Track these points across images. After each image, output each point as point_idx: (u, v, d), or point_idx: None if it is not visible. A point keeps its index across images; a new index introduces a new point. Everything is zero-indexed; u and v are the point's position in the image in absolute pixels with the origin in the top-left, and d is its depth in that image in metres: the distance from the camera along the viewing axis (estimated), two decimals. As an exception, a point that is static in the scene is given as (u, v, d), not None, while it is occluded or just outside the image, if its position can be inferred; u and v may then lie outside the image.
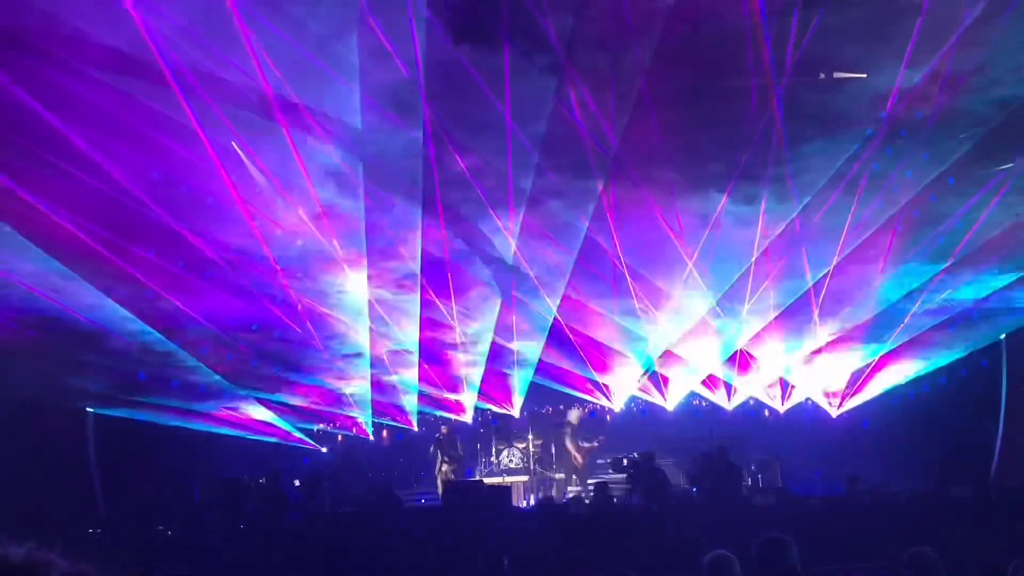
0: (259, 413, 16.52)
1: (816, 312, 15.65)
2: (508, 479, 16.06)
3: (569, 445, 16.46)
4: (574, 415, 16.83)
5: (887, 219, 14.46)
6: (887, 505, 10.58)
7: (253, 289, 14.71)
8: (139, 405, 15.14)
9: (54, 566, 1.29)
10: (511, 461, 17.07)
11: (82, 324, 13.25)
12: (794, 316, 15.84)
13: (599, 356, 17.07)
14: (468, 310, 16.22)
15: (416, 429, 17.78)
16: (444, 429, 16.26)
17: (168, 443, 15.31)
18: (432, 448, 15.96)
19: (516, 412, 17.84)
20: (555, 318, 15.89)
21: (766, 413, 17.32)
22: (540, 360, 16.83)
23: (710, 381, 17.38)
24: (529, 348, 16.79)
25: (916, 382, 15.95)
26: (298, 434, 17.24)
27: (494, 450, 17.14)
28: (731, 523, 9.77)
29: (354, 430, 17.78)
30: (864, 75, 13.46)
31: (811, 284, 15.03)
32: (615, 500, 12.49)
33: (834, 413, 16.58)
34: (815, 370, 16.61)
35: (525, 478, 16.54)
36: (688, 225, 14.48)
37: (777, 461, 14.63)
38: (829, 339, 16.03)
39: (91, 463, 14.56)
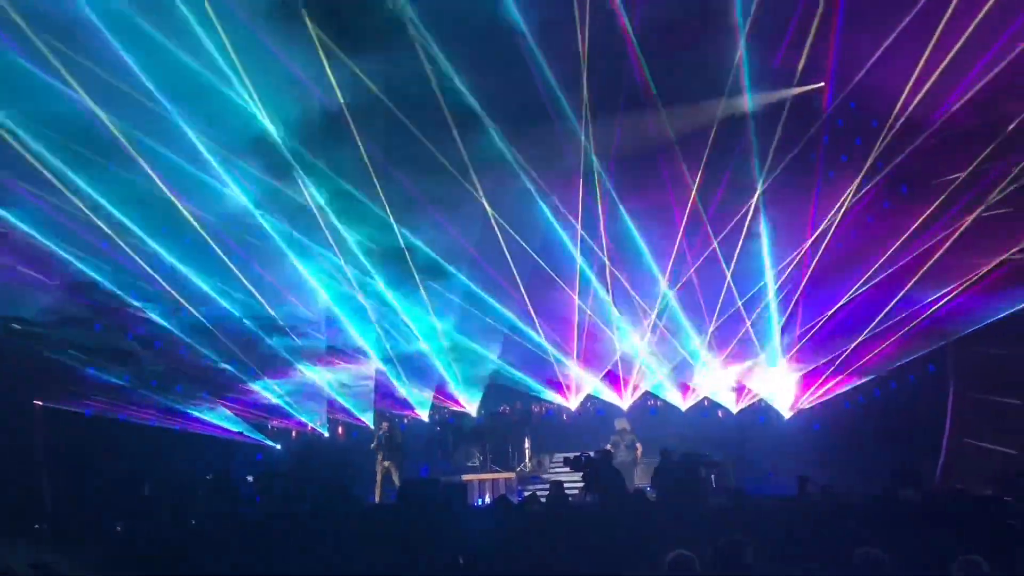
0: (213, 410, 16.35)
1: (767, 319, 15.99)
2: (465, 477, 16.05)
3: (625, 456, 15.58)
4: (623, 423, 16.27)
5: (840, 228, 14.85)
6: (837, 506, 10.74)
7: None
8: (88, 399, 14.90)
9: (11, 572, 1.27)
10: (468, 459, 17.07)
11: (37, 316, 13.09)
12: (743, 324, 16.18)
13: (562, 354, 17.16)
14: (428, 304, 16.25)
15: (372, 427, 17.69)
16: (385, 425, 16.00)
17: (119, 437, 15.06)
18: (372, 445, 15.79)
19: (474, 411, 17.85)
20: (517, 316, 15.99)
21: (720, 414, 17.51)
22: (500, 359, 16.88)
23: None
24: (488, 347, 16.85)
25: (866, 386, 16.22)
26: (252, 431, 17.09)
27: (451, 448, 17.12)
28: (686, 523, 9.87)
29: (310, 427, 17.66)
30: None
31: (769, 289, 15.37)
32: (570, 499, 12.55)
33: (786, 415, 16.82)
34: (767, 374, 16.86)
35: (481, 476, 16.53)
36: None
37: (731, 462, 14.81)
38: (781, 347, 16.35)
39: (38, 456, 14.25)
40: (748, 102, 13.63)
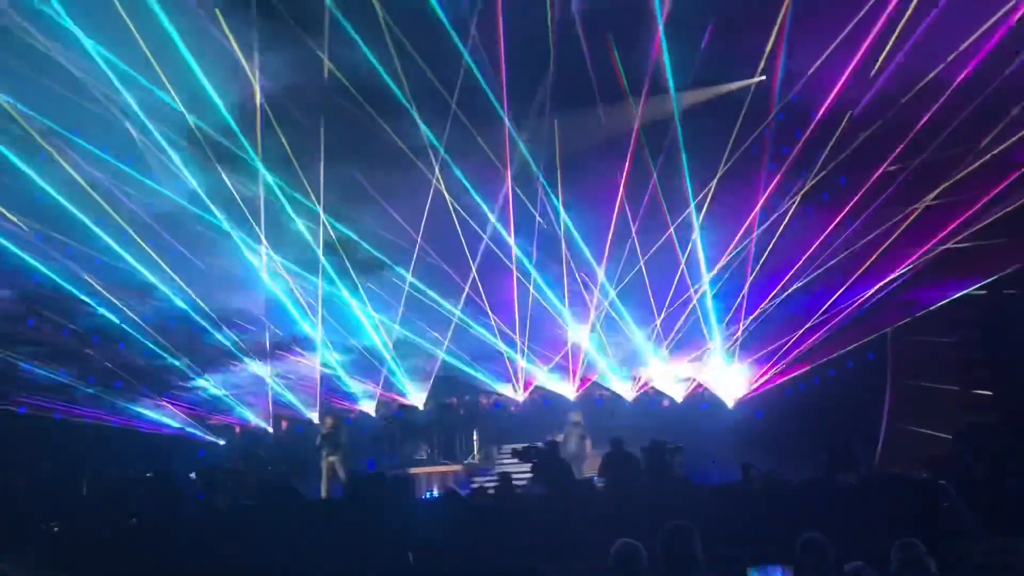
0: (153, 407, 16.05)
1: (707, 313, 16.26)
2: (413, 470, 15.97)
3: (580, 445, 15.45)
4: (577, 415, 16.11)
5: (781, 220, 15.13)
6: (779, 492, 10.94)
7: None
8: (21, 398, 14.52)
9: None
10: (416, 453, 17.00)
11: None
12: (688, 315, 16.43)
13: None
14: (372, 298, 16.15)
15: (317, 421, 17.51)
16: (328, 421, 15.68)
17: (54, 436, 14.68)
18: (318, 440, 15.58)
19: (421, 404, 17.77)
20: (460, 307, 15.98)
21: (664, 403, 17.68)
22: (447, 350, 16.84)
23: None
24: (435, 339, 16.81)
25: (806, 374, 16.52)
26: (194, 428, 16.81)
27: (398, 442, 17.02)
28: (633, 511, 9.96)
29: (252, 422, 17.42)
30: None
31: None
32: (519, 490, 12.57)
33: (730, 404, 17.06)
34: (711, 364, 17.09)
35: (429, 469, 16.46)
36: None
37: (677, 450, 14.93)
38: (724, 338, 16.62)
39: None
40: (678, 98, 13.82)
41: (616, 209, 15.18)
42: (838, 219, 14.79)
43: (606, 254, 15.92)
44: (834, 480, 11.06)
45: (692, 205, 15.03)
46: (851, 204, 14.62)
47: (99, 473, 13.57)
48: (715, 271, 15.89)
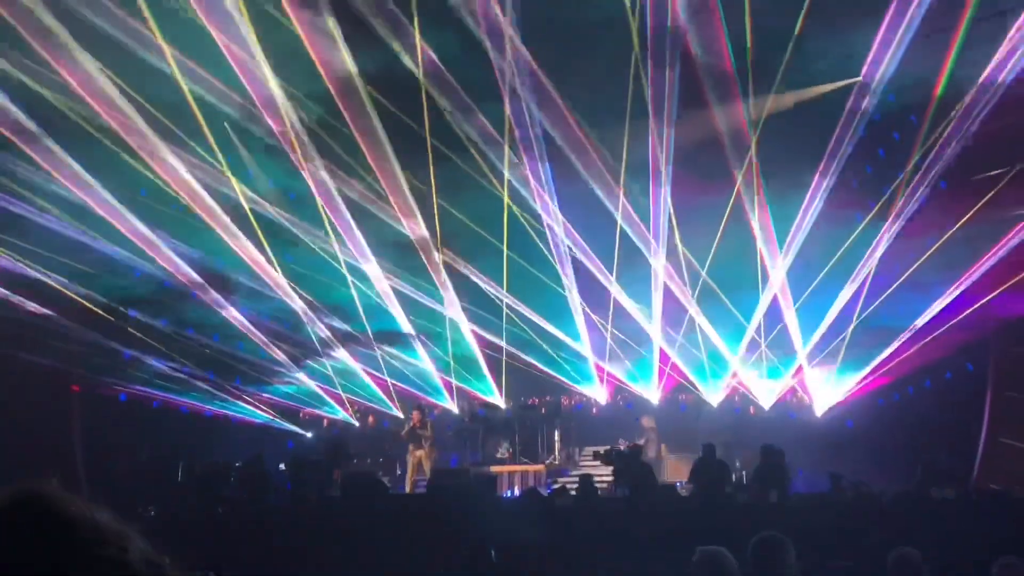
0: (247, 398, 16.53)
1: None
2: (494, 468, 16.03)
3: (652, 452, 15.35)
4: (648, 421, 16.04)
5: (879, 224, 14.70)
6: (869, 504, 10.64)
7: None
8: (123, 384, 15.11)
9: (132, 540, 1.26)
10: (498, 451, 17.07)
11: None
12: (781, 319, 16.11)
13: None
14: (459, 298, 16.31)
15: (401, 415, 17.79)
16: (416, 414, 15.82)
17: (153, 423, 15.26)
18: (403, 432, 15.79)
19: (503, 403, 17.87)
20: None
21: (752, 410, 17.37)
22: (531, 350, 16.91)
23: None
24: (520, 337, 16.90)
25: (900, 384, 16.01)
26: (284, 419, 17.26)
27: (480, 440, 17.12)
28: (716, 518, 9.83)
29: (339, 415, 17.79)
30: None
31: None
32: (599, 493, 12.52)
33: (819, 412, 16.65)
34: (801, 370, 16.72)
35: (510, 468, 16.50)
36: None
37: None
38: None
39: (75, 439, 14.46)
40: (787, 99, 13.55)
41: (727, 210, 14.97)
42: (941, 223, 14.30)
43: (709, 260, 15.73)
44: (928, 494, 10.68)
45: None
46: (955, 208, 14.13)
47: (193, 460, 14.02)
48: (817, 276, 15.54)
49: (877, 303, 15.30)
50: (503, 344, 17.00)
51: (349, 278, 15.99)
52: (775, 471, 11.72)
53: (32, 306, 13.59)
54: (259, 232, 14.87)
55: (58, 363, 13.98)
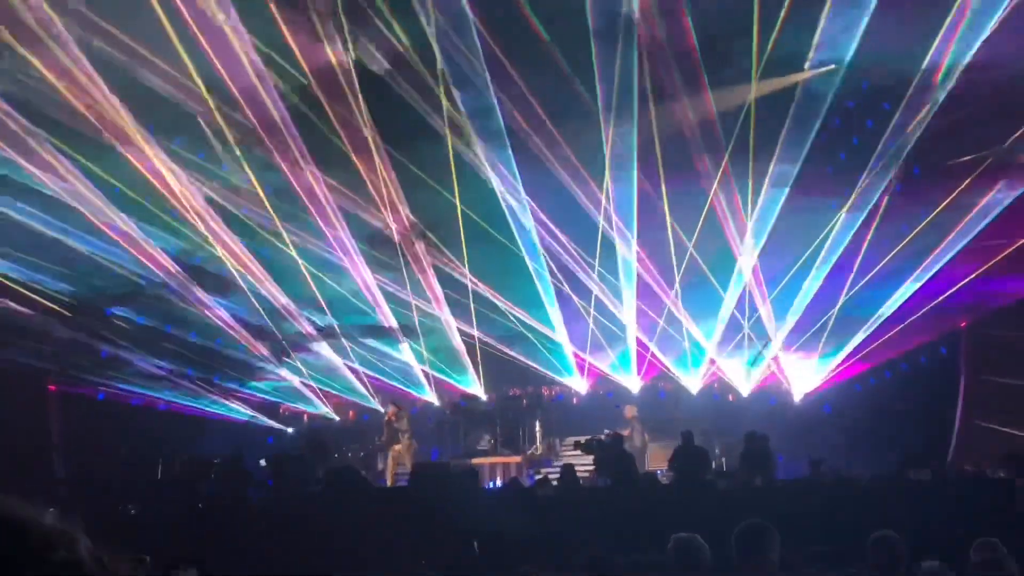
0: (225, 394, 16.45)
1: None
2: (476, 460, 16.06)
3: (638, 441, 15.22)
4: (631, 411, 15.91)
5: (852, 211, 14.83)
6: (849, 488, 10.76)
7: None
8: (101, 382, 14.98)
9: (79, 540, 1.26)
10: (479, 443, 17.08)
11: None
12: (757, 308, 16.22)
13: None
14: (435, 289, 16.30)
15: (382, 409, 17.76)
16: (392, 409, 15.84)
17: (131, 421, 15.15)
18: (383, 429, 15.82)
19: (483, 394, 17.88)
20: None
21: (731, 397, 17.49)
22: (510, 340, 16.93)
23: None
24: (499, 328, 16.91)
25: (877, 369, 16.19)
26: (264, 415, 17.19)
27: (462, 432, 17.13)
28: (697, 506, 9.90)
29: (319, 410, 17.74)
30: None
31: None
32: (582, 482, 12.57)
33: (797, 398, 16.80)
34: (779, 357, 16.85)
35: (492, 459, 16.52)
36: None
37: (741, 445, 14.76)
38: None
39: (53, 439, 14.33)
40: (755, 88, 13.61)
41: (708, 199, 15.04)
42: (914, 209, 14.44)
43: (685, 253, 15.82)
44: (906, 477, 10.81)
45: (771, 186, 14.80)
46: (928, 194, 14.28)
47: (173, 458, 13.93)
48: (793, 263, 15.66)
49: (854, 290, 15.43)
50: (482, 335, 17.00)
51: (324, 272, 15.93)
52: (760, 456, 11.82)
53: (7, 303, 13.43)
54: (235, 226, 14.79)
55: (34, 362, 13.84)
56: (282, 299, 16.10)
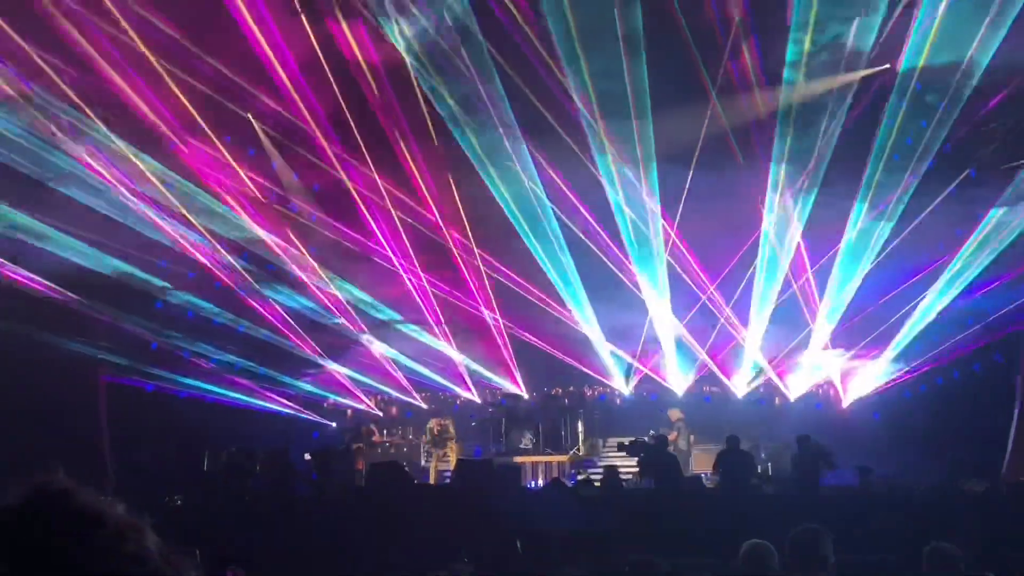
0: (273, 388, 16.63)
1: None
2: (518, 459, 16.02)
3: (682, 444, 15.26)
4: (675, 414, 15.90)
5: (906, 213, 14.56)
6: (900, 497, 10.55)
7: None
8: (151, 374, 15.20)
9: (147, 532, 1.24)
10: (520, 441, 17.04)
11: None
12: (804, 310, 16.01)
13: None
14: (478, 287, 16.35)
15: (425, 406, 17.82)
16: (434, 422, 16.22)
17: (178, 412, 15.35)
18: (424, 445, 16.00)
19: (525, 393, 17.83)
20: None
21: (776, 401, 17.24)
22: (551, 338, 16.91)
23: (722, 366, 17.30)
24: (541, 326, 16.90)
25: (928, 376, 15.84)
26: (309, 410, 17.34)
27: (503, 430, 17.10)
28: (742, 510, 9.77)
29: (363, 406, 17.83)
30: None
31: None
32: (624, 484, 12.49)
33: (844, 404, 16.51)
34: (827, 361, 16.58)
35: (534, 458, 16.46)
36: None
37: (788, 449, 14.55)
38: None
39: (102, 429, 14.56)
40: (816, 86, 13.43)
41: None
42: (969, 212, 14.13)
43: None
44: (958, 488, 10.57)
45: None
46: (984, 196, 13.96)
47: (218, 450, 14.08)
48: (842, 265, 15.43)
49: (894, 290, 15.20)
50: (525, 333, 16.98)
51: (374, 268, 16.10)
52: (813, 457, 11.57)
53: (63, 292, 13.69)
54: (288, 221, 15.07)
55: (87, 352, 14.08)
56: (333, 294, 16.27)
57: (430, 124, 14.37)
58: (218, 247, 14.92)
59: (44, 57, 11.81)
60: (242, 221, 14.83)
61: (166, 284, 14.88)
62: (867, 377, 16.33)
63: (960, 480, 11.23)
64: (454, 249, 16.17)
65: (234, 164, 14.31)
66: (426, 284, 16.61)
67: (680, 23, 12.75)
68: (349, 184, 15.01)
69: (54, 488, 1.20)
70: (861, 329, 15.98)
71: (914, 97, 13.67)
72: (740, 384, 17.17)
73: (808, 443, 11.70)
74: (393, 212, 15.50)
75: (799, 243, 15.58)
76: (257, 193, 14.88)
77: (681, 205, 15.11)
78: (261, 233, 15.12)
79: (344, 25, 12.96)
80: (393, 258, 15.98)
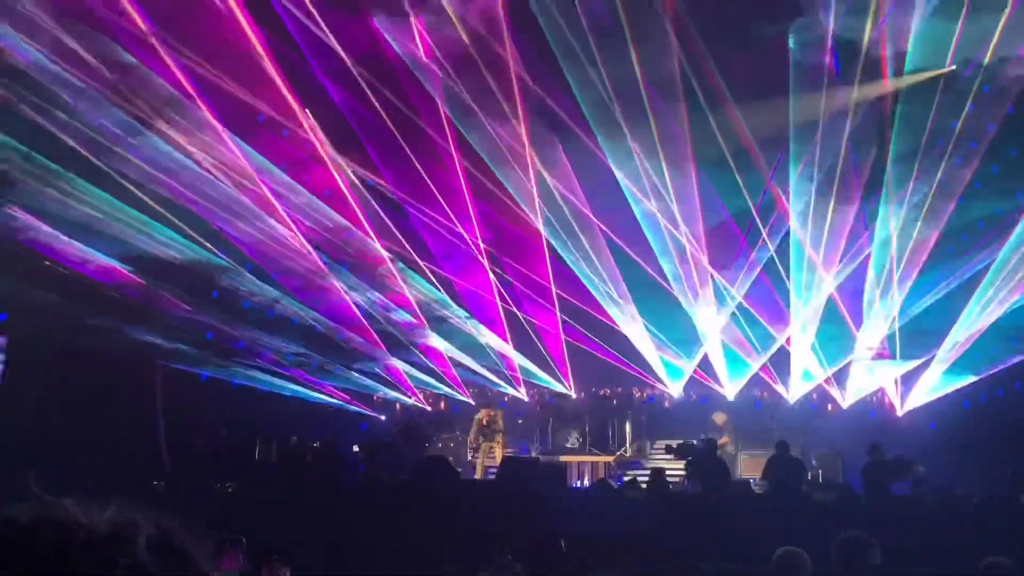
0: (324, 380, 16.81)
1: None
2: (564, 458, 15.99)
3: (730, 448, 15.22)
4: (721, 418, 15.88)
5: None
6: (954, 509, 10.29)
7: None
8: (205, 362, 15.47)
9: (140, 527, 1.26)
10: (567, 441, 17.01)
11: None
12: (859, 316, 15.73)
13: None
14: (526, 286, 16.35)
15: (473, 402, 17.86)
16: (483, 413, 16.09)
17: (231, 401, 15.61)
18: (472, 433, 16.00)
19: (573, 392, 17.79)
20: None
21: (828, 407, 16.95)
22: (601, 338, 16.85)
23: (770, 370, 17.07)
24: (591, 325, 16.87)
25: (987, 385, 15.44)
26: (359, 402, 17.50)
27: (550, 429, 17.08)
28: (791, 517, 9.62)
29: (411, 400, 17.93)
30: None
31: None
32: (671, 487, 12.38)
33: (900, 412, 16.16)
34: (882, 368, 16.25)
35: (580, 458, 16.41)
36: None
37: (839, 457, 14.30)
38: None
39: (158, 416, 14.87)
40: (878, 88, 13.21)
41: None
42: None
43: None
44: (1019, 501, 10.27)
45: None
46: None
47: (270, 440, 14.28)
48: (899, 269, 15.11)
49: (943, 291, 14.90)
50: (576, 334, 16.95)
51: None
52: (888, 466, 11.38)
53: (133, 279, 13.99)
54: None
55: (145, 338, 14.39)
56: (399, 288, 16.44)
57: (522, 124, 14.51)
58: (298, 235, 15.10)
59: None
60: (320, 212, 15.05)
61: (232, 267, 15.02)
62: (924, 386, 15.96)
63: (1019, 492, 10.91)
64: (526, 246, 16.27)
65: (323, 153, 14.52)
66: (495, 280, 16.70)
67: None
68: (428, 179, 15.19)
69: (47, 510, 1.22)
70: (920, 337, 15.64)
71: (981, 99, 13.42)
72: (792, 390, 16.91)
73: (879, 452, 11.52)
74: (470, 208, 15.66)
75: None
76: (342, 184, 15.06)
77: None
78: (337, 223, 15.31)
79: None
80: (475, 251, 16.12)
